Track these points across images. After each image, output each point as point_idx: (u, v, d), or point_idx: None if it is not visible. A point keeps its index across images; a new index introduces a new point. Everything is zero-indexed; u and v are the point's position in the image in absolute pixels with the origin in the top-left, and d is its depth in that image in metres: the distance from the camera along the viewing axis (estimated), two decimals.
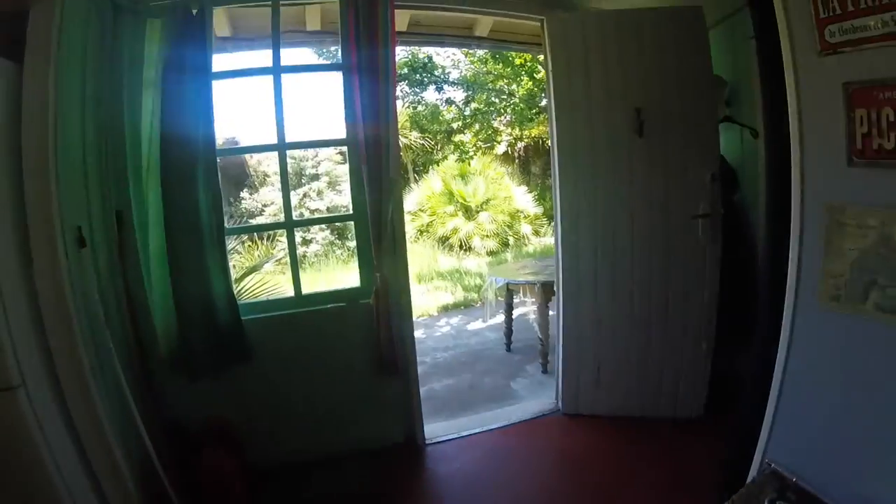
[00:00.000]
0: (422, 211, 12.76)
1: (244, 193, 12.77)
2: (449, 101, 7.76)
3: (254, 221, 12.00)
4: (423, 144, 13.99)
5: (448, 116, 8.36)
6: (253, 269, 5.35)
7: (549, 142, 10.51)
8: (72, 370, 2.07)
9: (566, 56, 3.38)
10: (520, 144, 13.60)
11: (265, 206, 12.30)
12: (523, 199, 12.99)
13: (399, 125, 11.45)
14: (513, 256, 11.52)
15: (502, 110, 8.26)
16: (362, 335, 3.14)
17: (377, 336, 3.09)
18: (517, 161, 14.94)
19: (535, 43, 4.20)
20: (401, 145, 13.86)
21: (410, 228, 12.72)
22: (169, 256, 2.87)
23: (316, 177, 12.18)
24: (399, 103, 8.32)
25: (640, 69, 3.37)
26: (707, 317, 3.52)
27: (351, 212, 3.13)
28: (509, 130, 11.63)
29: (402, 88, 7.59)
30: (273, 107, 3.06)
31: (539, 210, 13.05)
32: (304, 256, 11.64)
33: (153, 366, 2.90)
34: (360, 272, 3.17)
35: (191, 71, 2.91)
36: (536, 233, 13.11)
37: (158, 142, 2.84)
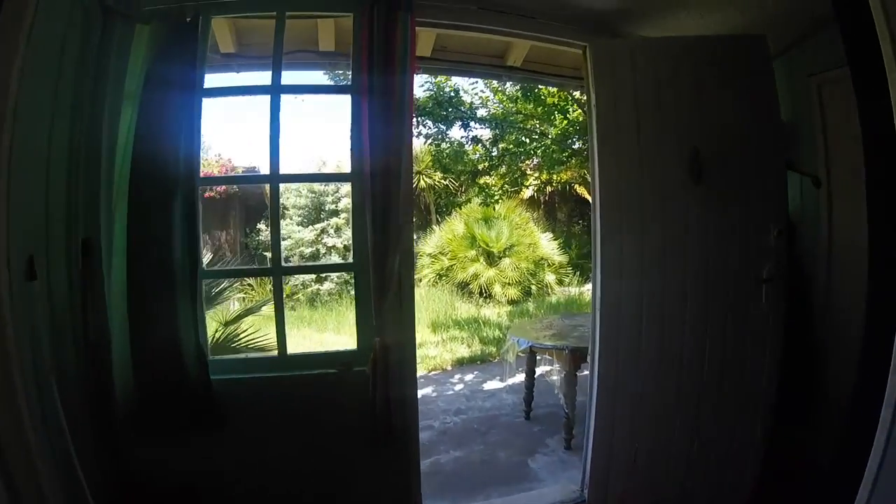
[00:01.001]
0: (442, 254, 12.30)
1: (261, 225, 12.48)
2: (475, 140, 7.34)
3: (269, 255, 11.67)
4: (446, 185, 13.66)
5: (474, 156, 7.95)
6: (249, 312, 4.86)
7: (577, 187, 10.07)
8: (9, 420, 1.59)
9: (612, 88, 2.90)
10: (547, 189, 13.18)
11: (281, 239, 11.98)
12: (548, 247, 12.47)
13: (422, 164, 11.17)
14: (535, 306, 10.93)
15: (531, 152, 7.79)
16: (356, 406, 2.60)
17: (372, 410, 2.55)
18: (543, 206, 14.50)
19: (573, 77, 3.76)
20: (424, 185, 13.59)
21: (429, 272, 12.27)
22: (130, 298, 2.40)
23: (336, 213, 11.84)
24: (420, 140, 7.96)
25: (698, 105, 2.90)
26: (765, 393, 2.95)
27: (352, 259, 2.62)
28: (537, 174, 11.12)
29: (425, 124, 7.23)
30: (268, 132, 2.61)
31: (564, 258, 12.50)
32: (318, 294, 11.22)
33: (114, 420, 2.40)
34: (358, 331, 2.65)
35: (176, 85, 2.50)
36: (560, 282, 12.53)
37: (129, 162, 2.40)
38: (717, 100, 2.88)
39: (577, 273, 12.88)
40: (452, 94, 6.89)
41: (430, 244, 12.69)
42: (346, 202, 11.79)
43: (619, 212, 2.91)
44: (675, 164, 2.87)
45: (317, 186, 11.94)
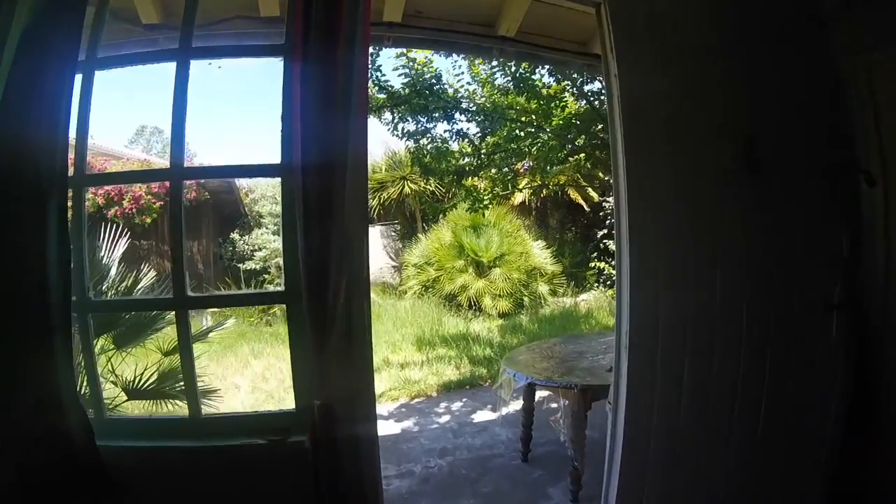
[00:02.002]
0: (428, 264, 11.57)
1: (235, 234, 11.69)
2: (461, 135, 6.51)
3: (243, 266, 10.86)
4: (433, 191, 12.94)
5: (460, 157, 7.23)
6: (196, 338, 4.07)
7: (571, 192, 9.39)
8: None
9: (639, 56, 2.20)
10: (542, 193, 12.48)
11: (256, 249, 11.18)
12: (540, 256, 11.78)
13: (406, 168, 10.41)
14: (528, 320, 10.21)
15: (525, 150, 7.03)
16: (292, 491, 1.86)
17: (317, 497, 1.81)
18: (534, 212, 13.81)
19: (578, 52, 3.06)
20: (409, 191, 12.85)
21: (415, 283, 11.53)
22: None
23: None
24: (401, 140, 7.11)
25: (751, 81, 2.19)
26: (832, 441, 2.37)
27: (283, 287, 1.87)
28: (531, 177, 10.25)
29: (404, 118, 6.37)
30: (171, 111, 1.88)
31: (557, 268, 11.81)
32: (268, 325, 10.30)
33: None
34: (294, 386, 1.90)
35: (52, 55, 1.78)
36: (554, 293, 11.84)
37: None
38: (778, 73, 2.18)
39: (572, 283, 12.20)
40: (434, 80, 6.10)
41: (416, 254, 11.97)
42: None
43: (651, 210, 2.20)
44: (721, 154, 2.16)
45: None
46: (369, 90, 5.17)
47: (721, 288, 2.22)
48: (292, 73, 1.78)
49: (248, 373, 7.55)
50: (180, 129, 1.88)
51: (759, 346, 2.25)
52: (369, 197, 13.70)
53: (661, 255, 2.20)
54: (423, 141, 6.33)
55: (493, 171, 7.68)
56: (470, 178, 7.36)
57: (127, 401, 3.08)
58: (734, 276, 2.22)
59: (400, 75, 6.46)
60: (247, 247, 11.43)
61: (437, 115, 5.93)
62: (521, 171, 10.17)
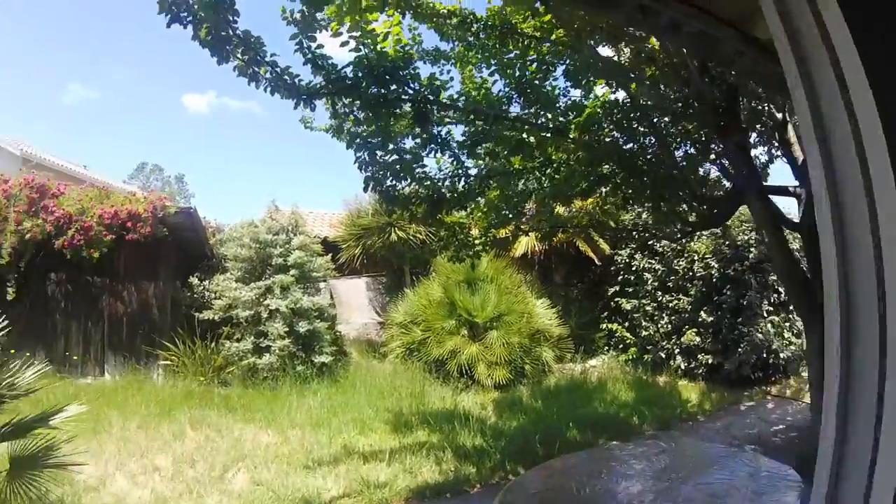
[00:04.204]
0: (414, 324, 10.02)
1: (195, 279, 10.19)
2: (440, 142, 4.40)
3: (201, 316, 9.35)
4: (423, 240, 11.53)
5: (436, 172, 4.99)
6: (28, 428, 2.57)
7: (580, 243, 7.87)
8: None
9: None
10: (549, 243, 11.00)
11: (216, 297, 9.68)
12: (544, 316, 10.24)
13: (395, 212, 8.81)
14: (529, 393, 8.61)
15: (538, 174, 5.14)
16: None
17: None
18: (537, 266, 12.35)
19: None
20: (396, 238, 11.45)
21: (398, 345, 9.98)
22: None
23: (284, 268, 9.60)
24: (340, 141, 4.86)
25: None
26: None
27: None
28: (537, 220, 7.93)
29: (346, 113, 4.14)
30: None
31: (563, 330, 10.26)
32: (254, 369, 8.86)
33: None
34: None
35: None
36: (560, 358, 10.28)
37: None
38: None
39: (581, 347, 10.66)
40: (401, 57, 4.25)
41: (402, 311, 10.44)
42: (298, 255, 9.61)
43: None
44: None
45: (264, 236, 9.76)
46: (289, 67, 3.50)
47: None
48: None
49: (178, 449, 6.04)
50: None
51: None
52: (352, 245, 12.38)
53: None
54: (383, 155, 4.60)
55: (484, 202, 5.93)
56: (453, 210, 5.58)
57: None
58: None
59: (351, 51, 4.08)
60: (208, 293, 9.94)
61: (400, 110, 4.22)
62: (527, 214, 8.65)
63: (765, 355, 8.80)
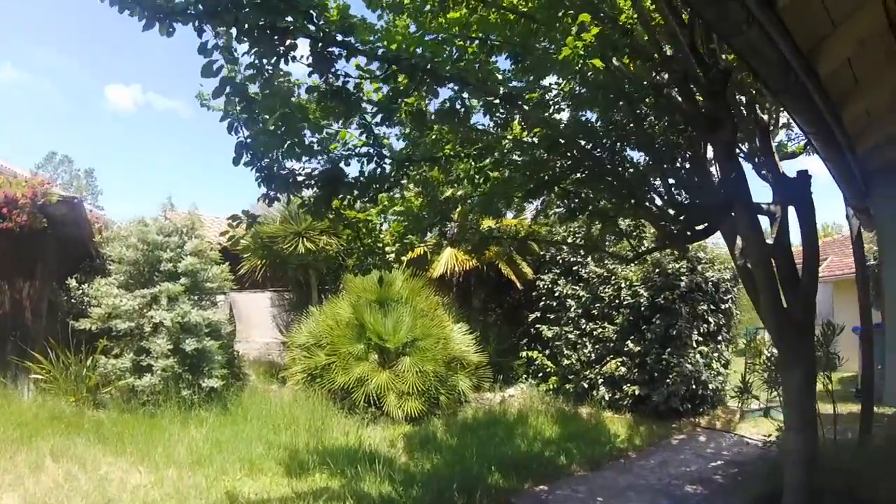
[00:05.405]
0: (318, 346, 8.90)
1: (73, 281, 8.55)
2: (345, 99, 3.26)
3: (77, 325, 7.78)
4: (335, 251, 10.46)
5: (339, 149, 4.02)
6: None
7: (502, 266, 6.88)
8: None
9: None
10: (468, 265, 10.22)
11: (93, 304, 8.13)
12: (462, 342, 9.42)
13: (303, 222, 7.26)
14: (444, 428, 7.70)
15: (470, 159, 4.07)
16: None
17: None
18: (455, 289, 11.57)
19: None
20: (303, 250, 10.33)
21: (298, 370, 8.82)
22: None
23: (174, 275, 8.21)
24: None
25: None
26: None
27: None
28: (469, 228, 6.70)
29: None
30: None
31: (481, 357, 9.47)
32: (132, 390, 7.47)
33: None
34: None
35: None
36: (477, 387, 9.48)
37: None
38: None
39: (499, 376, 9.93)
40: None
41: (306, 332, 9.27)
42: (190, 261, 8.27)
43: None
44: None
45: (154, 236, 8.34)
46: None
47: None
48: None
49: (31, 488, 4.89)
50: None
51: None
52: (255, 255, 11.07)
53: None
54: (262, 111, 3.27)
55: (408, 192, 4.82)
56: (358, 202, 4.32)
57: None
58: None
59: None
60: (87, 298, 8.34)
61: (294, 49, 2.97)
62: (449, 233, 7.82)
63: (694, 386, 8.44)
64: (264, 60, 2.95)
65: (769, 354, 6.75)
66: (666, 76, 4.09)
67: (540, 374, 10.20)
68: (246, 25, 2.60)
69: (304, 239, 10.48)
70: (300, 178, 3.76)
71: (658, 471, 6.27)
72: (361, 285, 9.43)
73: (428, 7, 3.97)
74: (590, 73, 3.63)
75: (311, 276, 11.07)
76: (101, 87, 76.05)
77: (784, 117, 5.05)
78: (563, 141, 3.89)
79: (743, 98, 4.60)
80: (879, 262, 5.39)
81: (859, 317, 5.82)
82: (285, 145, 3.44)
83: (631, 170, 4.25)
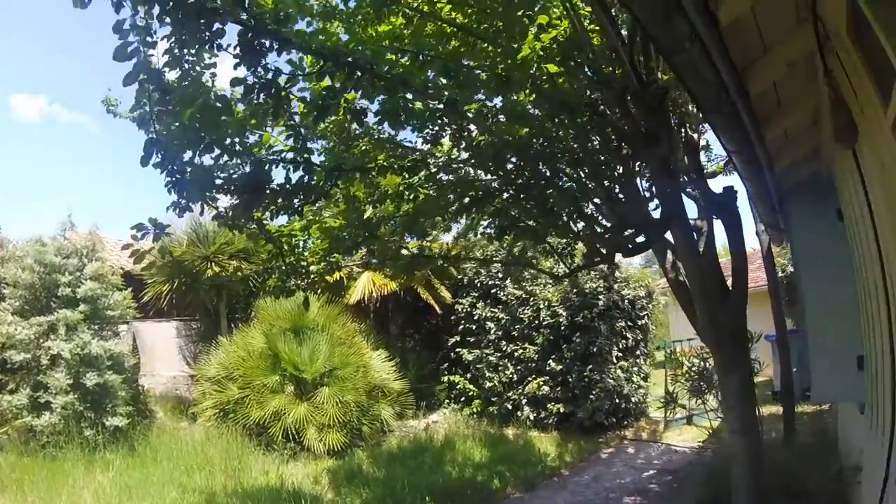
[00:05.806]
0: (230, 380, 8.30)
1: None
2: (273, 94, 2.78)
3: None
4: (246, 276, 9.85)
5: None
6: None
7: (421, 290, 6.63)
8: None
9: None
10: (385, 290, 9.99)
11: None
12: (382, 369, 9.13)
13: (213, 244, 6.68)
14: (369, 460, 7.37)
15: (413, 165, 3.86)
16: None
17: None
18: (372, 315, 11.28)
19: None
20: (212, 274, 9.68)
21: (209, 406, 8.17)
22: None
23: (73, 301, 7.40)
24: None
25: None
26: None
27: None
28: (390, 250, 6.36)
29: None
30: None
31: (402, 384, 9.22)
32: (32, 430, 6.62)
33: None
34: None
35: None
36: (400, 416, 9.20)
37: None
38: None
39: (422, 402, 9.70)
40: None
41: (216, 363, 8.63)
42: (90, 286, 7.48)
43: None
44: None
45: (51, 258, 7.48)
46: None
47: None
48: None
49: None
50: None
51: None
52: (160, 281, 10.20)
53: None
54: (178, 102, 2.86)
55: (328, 210, 4.55)
56: (279, 213, 3.93)
57: None
58: None
59: None
60: None
61: (221, 36, 2.64)
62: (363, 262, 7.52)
63: (617, 400, 8.67)
64: (185, 50, 2.66)
65: (690, 365, 7.06)
66: (601, 93, 4.16)
67: (463, 399, 10.11)
68: (170, 3, 2.31)
69: (213, 263, 9.84)
70: (218, 183, 3.40)
71: (594, 485, 6.30)
72: (274, 313, 8.95)
73: (360, 16, 3.80)
74: (543, 78, 3.61)
75: (220, 303, 10.38)
76: (5, 95, 69.83)
77: (704, 139, 5.37)
78: (502, 154, 3.85)
79: (674, 118, 4.80)
80: (790, 274, 5.73)
81: (774, 325, 6.21)
82: (202, 143, 3.09)
83: (568, 184, 4.29)
